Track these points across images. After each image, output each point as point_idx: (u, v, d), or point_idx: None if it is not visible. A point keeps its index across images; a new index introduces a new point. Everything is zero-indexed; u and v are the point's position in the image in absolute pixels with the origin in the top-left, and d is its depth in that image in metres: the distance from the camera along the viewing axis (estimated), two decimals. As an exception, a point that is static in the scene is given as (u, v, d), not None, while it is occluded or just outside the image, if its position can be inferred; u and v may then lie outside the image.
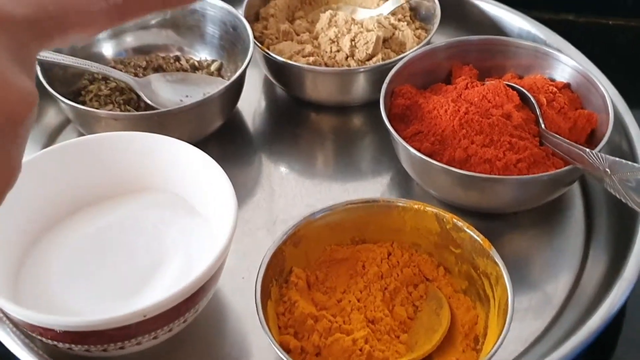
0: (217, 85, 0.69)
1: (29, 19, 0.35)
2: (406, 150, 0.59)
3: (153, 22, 0.72)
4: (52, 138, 0.68)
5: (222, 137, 0.68)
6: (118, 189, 0.58)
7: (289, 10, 0.75)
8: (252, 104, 0.73)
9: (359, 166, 0.68)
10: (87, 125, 0.64)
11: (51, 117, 0.69)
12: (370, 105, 0.71)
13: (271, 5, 0.74)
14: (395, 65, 0.65)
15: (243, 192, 0.64)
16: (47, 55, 0.64)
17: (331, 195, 0.64)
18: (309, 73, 0.67)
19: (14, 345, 0.51)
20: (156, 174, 0.58)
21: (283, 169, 0.66)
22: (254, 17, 0.73)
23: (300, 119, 0.72)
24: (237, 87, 0.66)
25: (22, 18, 0.35)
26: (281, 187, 0.65)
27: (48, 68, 0.64)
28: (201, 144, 0.65)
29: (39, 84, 0.63)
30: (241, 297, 0.56)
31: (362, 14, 0.74)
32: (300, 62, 0.67)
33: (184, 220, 0.57)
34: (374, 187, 0.65)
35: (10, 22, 0.35)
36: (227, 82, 0.64)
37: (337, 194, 0.64)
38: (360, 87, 0.68)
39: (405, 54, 0.66)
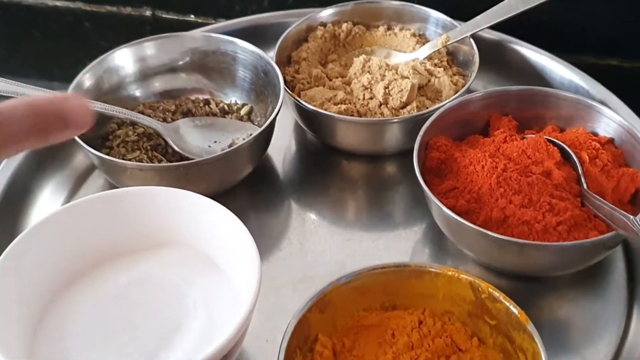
0: (247, 131, 0.67)
1: None
2: (440, 209, 0.56)
3: (182, 65, 0.70)
4: (78, 183, 0.67)
5: (251, 183, 0.66)
6: (140, 244, 0.56)
7: (321, 53, 0.73)
8: (281, 149, 0.71)
9: (390, 218, 0.65)
10: (113, 174, 0.63)
11: (79, 161, 0.68)
12: (404, 154, 0.68)
13: (303, 49, 0.72)
14: (430, 115, 0.62)
15: (269, 244, 0.62)
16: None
17: (361, 251, 0.61)
18: (341, 122, 0.65)
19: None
20: (178, 229, 0.56)
21: (312, 220, 0.64)
22: (285, 60, 0.71)
23: (331, 167, 0.69)
24: (266, 135, 0.64)
25: None
26: (309, 240, 0.62)
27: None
28: (229, 190, 0.64)
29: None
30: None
31: (397, 58, 0.72)
32: (331, 111, 0.65)
33: (205, 279, 0.55)
34: (406, 244, 0.62)
35: None
36: (256, 132, 0.62)
37: (368, 250, 0.61)
38: (393, 136, 0.66)
39: (441, 104, 0.64)
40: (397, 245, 0.62)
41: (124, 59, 0.69)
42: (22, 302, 0.51)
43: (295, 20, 0.75)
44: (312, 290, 0.58)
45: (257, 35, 0.75)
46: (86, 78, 0.66)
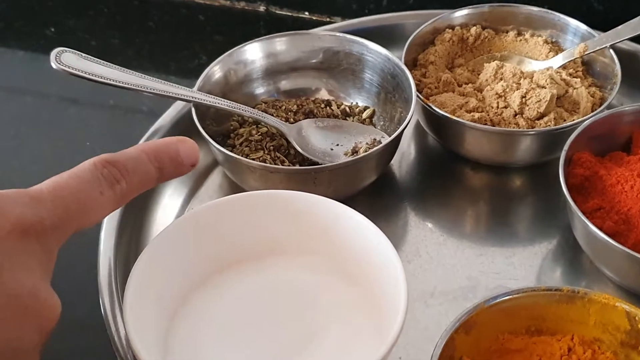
0: (370, 135, 0.65)
1: (56, 224, 0.38)
2: (586, 228, 0.53)
3: (309, 64, 0.68)
4: (199, 181, 0.65)
5: (368, 189, 0.63)
6: (270, 250, 0.54)
7: (448, 57, 0.70)
8: (401, 153, 0.68)
9: (520, 233, 0.62)
10: (238, 173, 0.61)
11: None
12: (533, 166, 0.66)
13: (431, 52, 0.69)
14: (569, 129, 0.59)
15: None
16: (202, 97, 0.62)
17: (495, 268, 0.58)
18: (473, 130, 0.62)
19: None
20: (313, 236, 0.54)
21: (439, 232, 0.61)
22: (411, 63, 0.69)
23: (455, 175, 0.67)
24: (395, 144, 0.62)
25: (50, 224, 0.38)
26: (439, 253, 0.60)
27: (197, 107, 0.62)
28: (349, 197, 0.62)
29: (193, 125, 0.60)
30: (397, 378, 0.52)
31: (529, 66, 0.68)
32: (464, 118, 0.62)
33: (339, 290, 0.52)
34: (539, 261, 0.59)
35: (42, 232, 0.38)
36: (388, 139, 0.60)
37: (501, 267, 0.58)
38: (527, 148, 0.63)
39: (586, 117, 0.60)
40: (531, 264, 0.59)
41: (254, 54, 0.67)
42: (159, 301, 0.50)
43: (415, 21, 0.73)
44: (444, 306, 0.56)
45: (377, 36, 0.72)
46: (215, 70, 0.65)
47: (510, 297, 0.49)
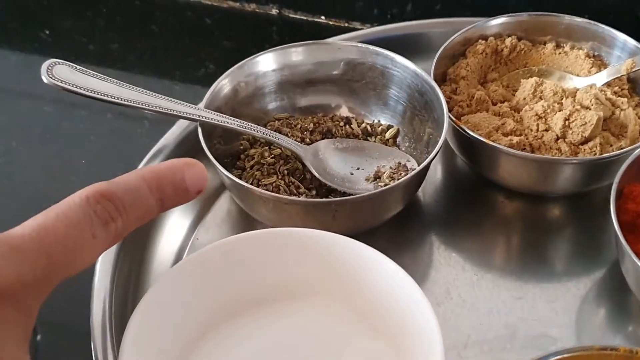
0: (394, 158, 0.59)
1: (38, 278, 0.33)
2: (638, 271, 0.47)
3: (328, 77, 0.62)
4: (206, 206, 0.59)
5: (393, 221, 0.57)
6: (286, 294, 0.48)
7: (481, 71, 0.64)
8: (427, 178, 0.62)
9: (560, 270, 0.56)
10: (248, 203, 0.55)
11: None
12: (573, 196, 0.59)
13: (462, 66, 0.63)
14: (622, 158, 0.53)
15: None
16: (209, 116, 0.55)
17: (536, 314, 0.52)
18: (512, 157, 0.56)
19: None
20: (334, 280, 0.48)
21: (473, 270, 0.55)
22: (440, 78, 0.62)
23: (487, 204, 0.60)
24: (425, 171, 0.56)
25: (32, 280, 0.33)
26: (472, 295, 0.54)
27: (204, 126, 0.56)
28: (370, 231, 0.56)
29: (199, 143, 0.54)
30: None
31: (570, 82, 0.62)
32: (501, 143, 0.56)
33: (363, 341, 0.46)
34: (580, 302, 0.53)
35: (21, 292, 0.32)
36: (417, 169, 0.53)
37: (544, 313, 0.52)
38: (571, 177, 0.56)
39: (638, 144, 0.54)
40: (573, 306, 0.53)
41: (267, 65, 0.61)
42: (160, 356, 0.44)
43: (443, 30, 0.67)
44: (480, 358, 0.50)
45: (401, 46, 0.65)
46: (224, 84, 0.59)
47: (560, 357, 0.43)
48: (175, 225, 0.58)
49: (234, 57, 0.61)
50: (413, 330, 0.44)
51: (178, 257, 0.56)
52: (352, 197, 0.53)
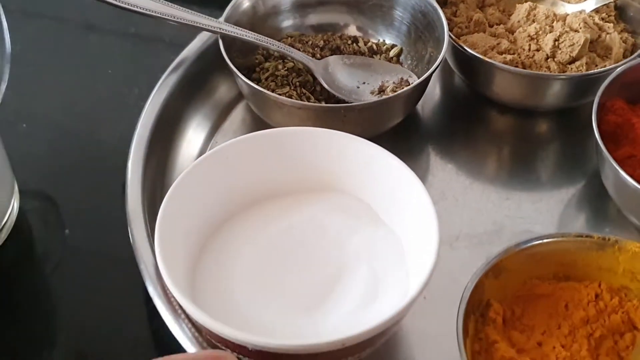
0: (397, 74, 0.64)
1: None
2: (617, 176, 0.53)
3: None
4: (223, 115, 0.64)
5: (394, 131, 0.62)
6: (301, 187, 0.54)
7: (479, -5, 0.68)
8: (426, 94, 0.67)
9: (545, 177, 0.62)
10: (264, 109, 0.60)
11: (222, 92, 0.65)
12: (560, 111, 0.65)
13: (462, -10, 0.68)
14: (605, 75, 0.58)
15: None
16: (229, 29, 0.60)
17: (521, 213, 0.58)
18: (505, 73, 0.61)
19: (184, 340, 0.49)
20: (342, 175, 0.54)
21: (465, 175, 0.61)
22: (442, 2, 0.67)
23: (481, 118, 0.66)
24: (425, 84, 0.61)
25: None
26: (465, 196, 0.59)
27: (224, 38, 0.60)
28: (373, 139, 0.61)
29: (218, 56, 0.59)
30: (421, 319, 0.51)
31: (562, 8, 0.67)
32: (496, 60, 0.61)
33: (369, 230, 0.52)
34: (564, 207, 0.59)
35: None
36: (418, 80, 0.59)
37: (528, 213, 0.58)
38: (557, 93, 0.62)
39: (620, 63, 0.59)
40: (556, 208, 0.59)
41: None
42: (188, 235, 0.50)
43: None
44: (469, 249, 0.56)
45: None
46: (243, 0, 0.63)
47: (541, 242, 0.49)
48: (195, 132, 0.63)
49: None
50: (413, 221, 0.50)
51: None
52: (360, 103, 0.58)
